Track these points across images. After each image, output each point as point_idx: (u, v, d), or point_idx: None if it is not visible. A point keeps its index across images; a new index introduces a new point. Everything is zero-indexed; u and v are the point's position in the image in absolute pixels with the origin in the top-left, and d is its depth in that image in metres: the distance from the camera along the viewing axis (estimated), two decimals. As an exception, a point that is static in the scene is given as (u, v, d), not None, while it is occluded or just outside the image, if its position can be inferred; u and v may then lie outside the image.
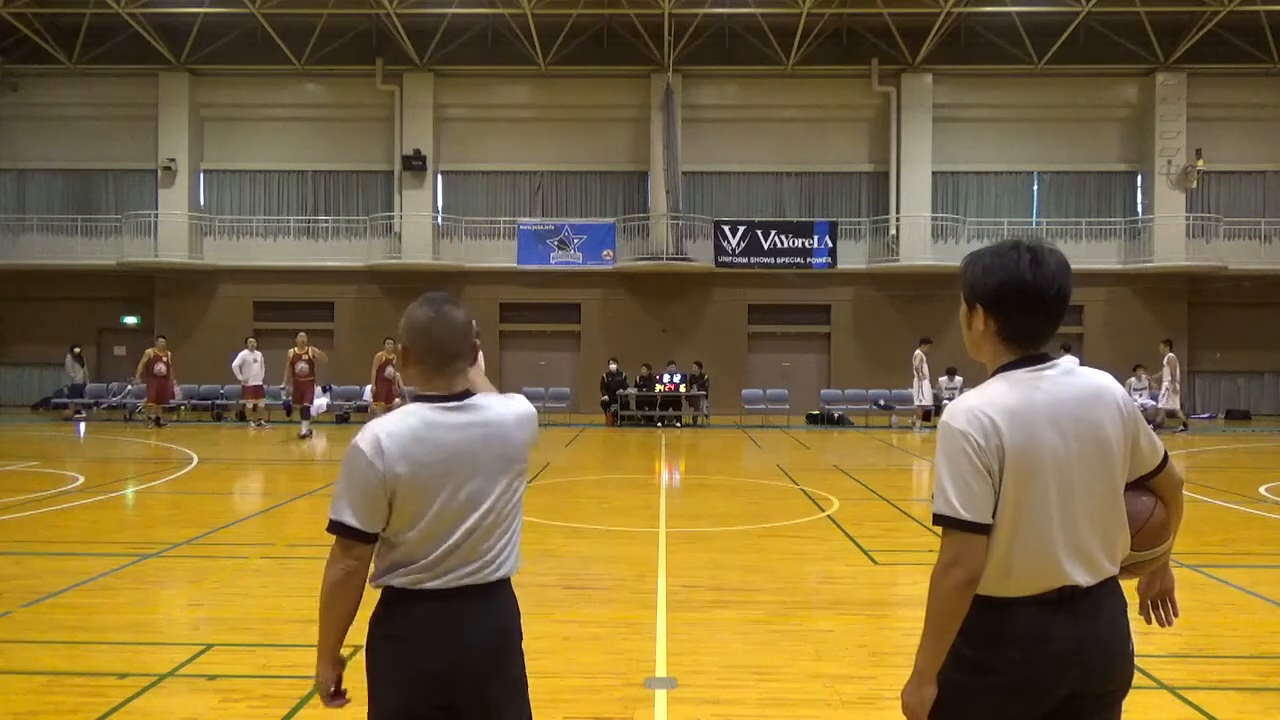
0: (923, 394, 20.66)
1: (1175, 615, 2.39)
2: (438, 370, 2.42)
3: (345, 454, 2.33)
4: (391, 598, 2.36)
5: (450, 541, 2.33)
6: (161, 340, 20.66)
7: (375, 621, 2.37)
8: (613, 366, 22.69)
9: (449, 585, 2.33)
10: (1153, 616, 2.40)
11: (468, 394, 2.44)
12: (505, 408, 2.49)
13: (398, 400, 20.04)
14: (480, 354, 2.91)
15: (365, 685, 2.39)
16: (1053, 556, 2.08)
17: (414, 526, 2.32)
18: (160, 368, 19.94)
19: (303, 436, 17.90)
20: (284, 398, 20.48)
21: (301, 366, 18.44)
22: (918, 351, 20.60)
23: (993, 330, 2.20)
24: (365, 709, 2.41)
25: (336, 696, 2.42)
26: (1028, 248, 2.16)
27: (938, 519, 2.09)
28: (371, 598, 2.40)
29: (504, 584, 2.45)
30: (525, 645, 2.52)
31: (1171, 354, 20.26)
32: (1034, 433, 2.08)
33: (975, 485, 2.05)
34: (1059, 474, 2.09)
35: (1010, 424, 2.07)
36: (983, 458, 2.06)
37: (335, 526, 2.31)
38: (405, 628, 2.32)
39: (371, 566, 2.37)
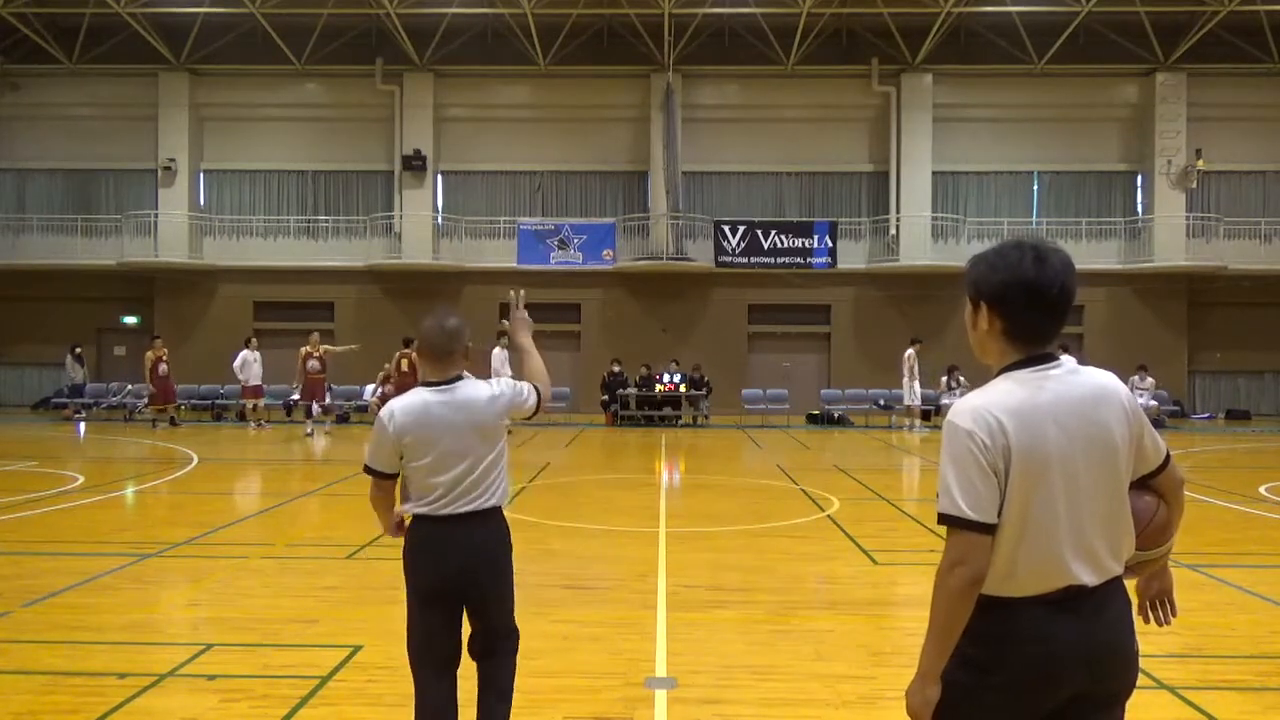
0: (913, 394, 20.60)
1: (1174, 615, 2.39)
2: (435, 363, 3.48)
3: (376, 420, 3.48)
4: (416, 520, 3.48)
5: (448, 480, 3.40)
6: (158, 340, 20.67)
7: (408, 534, 3.51)
8: (615, 368, 22.68)
9: (453, 512, 3.41)
10: (1151, 616, 2.40)
11: (458, 379, 3.48)
12: (480, 390, 3.49)
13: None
14: (526, 335, 3.90)
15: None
16: (1059, 556, 2.07)
17: (420, 470, 3.41)
18: (163, 368, 19.97)
19: (308, 435, 18.02)
20: (294, 394, 20.35)
21: (313, 364, 18.69)
22: (909, 351, 20.54)
23: (997, 329, 2.20)
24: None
25: (400, 526, 3.55)
26: (1031, 246, 2.18)
27: (943, 519, 2.08)
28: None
29: (495, 510, 3.50)
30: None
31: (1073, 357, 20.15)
32: (1040, 432, 2.08)
33: (981, 485, 2.05)
34: (1065, 473, 2.09)
35: (1016, 424, 2.07)
36: (989, 457, 2.06)
37: (367, 469, 3.50)
38: (425, 538, 3.45)
39: (399, 500, 3.53)
